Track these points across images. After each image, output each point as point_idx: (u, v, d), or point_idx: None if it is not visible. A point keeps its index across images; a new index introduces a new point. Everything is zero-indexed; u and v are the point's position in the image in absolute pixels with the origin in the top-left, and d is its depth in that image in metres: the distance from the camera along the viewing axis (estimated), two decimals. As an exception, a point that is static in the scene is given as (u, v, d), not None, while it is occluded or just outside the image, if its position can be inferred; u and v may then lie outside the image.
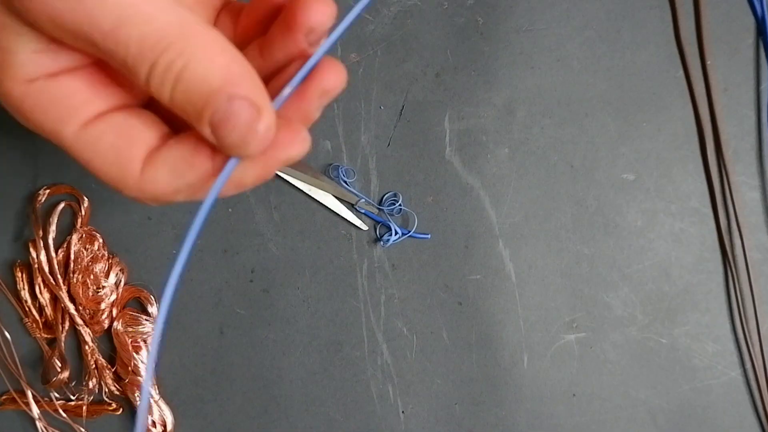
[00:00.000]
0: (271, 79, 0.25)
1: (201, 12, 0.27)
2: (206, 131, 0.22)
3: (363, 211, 0.41)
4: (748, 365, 0.42)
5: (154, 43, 0.21)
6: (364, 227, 0.41)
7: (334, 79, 0.24)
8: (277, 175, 0.40)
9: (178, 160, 0.24)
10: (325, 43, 0.24)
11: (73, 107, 0.24)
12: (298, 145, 0.24)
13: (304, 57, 0.24)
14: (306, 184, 0.40)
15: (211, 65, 0.21)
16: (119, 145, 0.24)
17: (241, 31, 0.26)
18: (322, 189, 0.40)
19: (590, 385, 0.42)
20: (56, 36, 0.22)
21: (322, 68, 0.24)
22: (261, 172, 0.24)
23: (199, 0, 0.27)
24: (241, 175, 0.24)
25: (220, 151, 0.23)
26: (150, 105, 0.26)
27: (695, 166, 0.42)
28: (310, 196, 0.41)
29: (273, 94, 0.23)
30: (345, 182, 0.40)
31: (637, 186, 0.41)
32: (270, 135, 0.22)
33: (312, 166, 0.41)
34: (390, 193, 0.41)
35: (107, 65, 0.24)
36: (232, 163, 0.23)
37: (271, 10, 0.25)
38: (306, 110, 0.24)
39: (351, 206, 0.41)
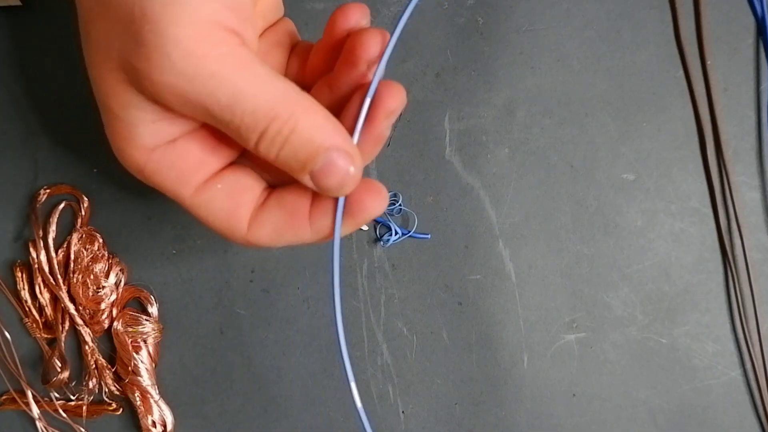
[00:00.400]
0: (340, 109, 0.28)
1: (277, 54, 0.30)
2: (306, 179, 0.26)
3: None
4: (748, 365, 0.42)
5: (264, 114, 0.25)
6: (364, 227, 0.41)
7: (395, 99, 0.27)
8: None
9: (279, 221, 0.28)
10: (378, 72, 0.27)
11: (188, 172, 0.28)
12: (380, 203, 0.29)
13: (365, 85, 0.28)
14: None
15: (313, 127, 0.25)
16: (229, 207, 0.28)
17: (309, 70, 0.30)
18: None
19: (590, 385, 0.42)
20: (178, 109, 0.25)
21: (383, 92, 0.27)
22: (351, 229, 0.29)
23: (275, 43, 0.31)
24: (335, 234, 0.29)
25: (314, 213, 0.28)
26: (247, 158, 0.30)
27: (695, 166, 0.42)
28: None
29: (346, 126, 0.27)
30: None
31: (637, 186, 0.41)
32: (360, 174, 0.27)
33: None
34: (390, 194, 0.41)
35: (213, 128, 0.27)
36: (337, 235, 0.28)
37: (335, 47, 0.29)
38: (378, 133, 0.28)
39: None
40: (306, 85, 0.30)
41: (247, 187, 0.29)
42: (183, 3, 0.23)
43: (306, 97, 0.26)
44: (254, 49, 0.26)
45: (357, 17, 0.28)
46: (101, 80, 0.26)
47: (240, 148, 0.29)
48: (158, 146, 0.27)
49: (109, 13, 0.24)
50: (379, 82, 0.27)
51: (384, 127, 0.28)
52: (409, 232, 0.41)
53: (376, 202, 0.29)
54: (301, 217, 0.28)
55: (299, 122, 0.25)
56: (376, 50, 0.27)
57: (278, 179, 0.30)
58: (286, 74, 0.31)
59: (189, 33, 0.23)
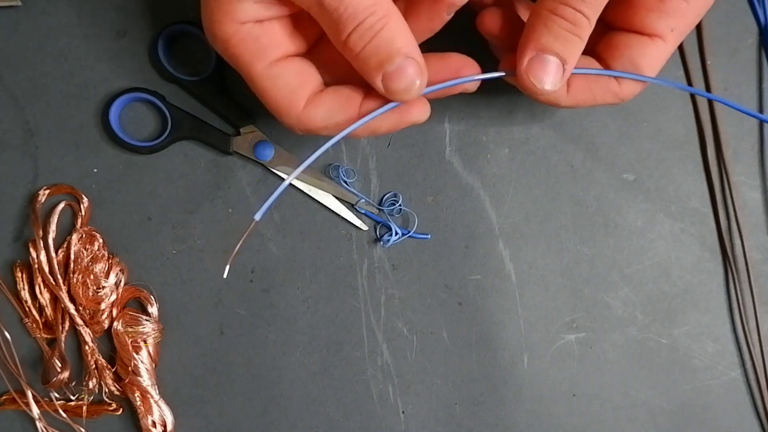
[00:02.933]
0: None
1: None
2: (377, 79, 0.31)
3: (363, 211, 0.41)
4: (748, 365, 0.42)
5: (365, 8, 0.29)
6: (364, 227, 0.41)
7: (471, 85, 0.34)
8: (277, 176, 0.40)
9: (333, 105, 0.33)
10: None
11: (267, 48, 0.32)
12: (424, 113, 0.34)
13: (441, 22, 0.32)
14: (306, 185, 0.40)
15: (399, 33, 0.30)
16: (294, 84, 0.32)
17: None
18: (322, 189, 0.40)
19: (590, 385, 0.42)
20: None
21: None
22: (392, 125, 0.33)
23: None
24: (378, 124, 0.33)
25: (366, 103, 0.32)
26: (308, 55, 0.34)
27: (695, 166, 0.42)
28: (310, 197, 0.41)
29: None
30: (345, 182, 0.40)
31: (637, 186, 0.41)
32: (422, 90, 0.31)
33: (312, 166, 0.41)
34: (390, 194, 0.41)
35: (297, 19, 0.33)
36: (380, 110, 0.32)
37: None
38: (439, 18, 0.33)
39: (351, 206, 0.41)
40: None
41: (313, 72, 0.33)
42: None
43: (398, 11, 0.30)
44: None
45: None
46: None
47: (311, 43, 0.34)
48: (248, 21, 0.31)
49: None
50: None
51: (444, 17, 0.33)
52: (409, 232, 0.41)
53: (422, 111, 0.34)
54: (353, 104, 0.33)
55: (389, 23, 0.30)
56: None
57: (337, 82, 0.34)
58: None
59: None
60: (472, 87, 0.34)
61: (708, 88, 0.41)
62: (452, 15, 0.32)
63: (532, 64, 0.32)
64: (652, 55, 0.34)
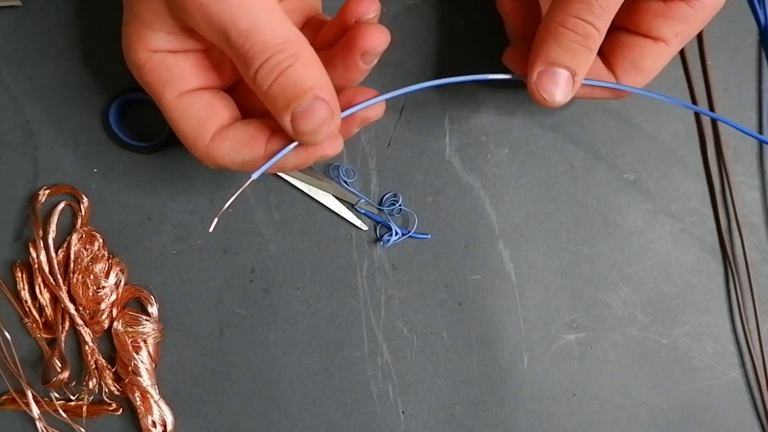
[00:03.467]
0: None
1: (293, 18, 0.33)
2: (286, 119, 0.29)
3: (363, 211, 0.41)
4: (748, 365, 0.42)
5: (273, 45, 0.28)
6: (364, 227, 0.41)
7: (373, 112, 0.33)
8: (277, 175, 0.40)
9: (239, 140, 0.31)
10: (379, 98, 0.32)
11: (178, 78, 0.31)
12: (335, 147, 0.32)
13: (360, 72, 0.32)
14: (306, 185, 0.40)
15: (308, 71, 0.29)
16: (201, 116, 0.32)
17: (317, 44, 0.33)
18: (322, 189, 0.40)
19: (590, 385, 0.42)
20: (198, 26, 0.29)
21: (361, 33, 0.31)
22: (301, 162, 0.32)
23: (295, 9, 0.34)
24: (284, 161, 0.32)
25: (272, 141, 0.31)
26: (230, 91, 0.34)
27: (695, 166, 0.42)
28: (310, 197, 0.41)
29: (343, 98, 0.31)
30: (345, 182, 0.40)
31: (637, 186, 0.41)
32: (333, 133, 0.30)
33: (312, 166, 0.41)
34: (390, 194, 0.41)
35: (210, 54, 0.33)
36: (282, 151, 0.31)
37: (342, 31, 0.32)
38: (348, 129, 0.33)
39: (351, 206, 0.41)
40: None
41: (223, 106, 0.32)
42: None
43: (311, 50, 0.30)
44: None
45: (366, 9, 0.32)
46: None
47: (225, 82, 0.34)
48: (161, 51, 0.31)
49: None
50: (360, 24, 0.31)
51: (355, 128, 0.33)
52: (409, 232, 0.41)
53: (333, 146, 0.32)
54: (259, 141, 0.32)
55: (298, 61, 0.29)
56: (373, 44, 0.31)
57: (251, 116, 0.33)
58: None
59: None
60: (375, 114, 0.33)
61: (708, 88, 0.41)
62: (372, 64, 0.32)
63: (542, 77, 0.32)
64: (654, 58, 0.34)
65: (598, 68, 0.35)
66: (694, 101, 0.41)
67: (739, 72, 0.41)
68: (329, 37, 0.33)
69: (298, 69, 0.29)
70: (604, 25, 0.31)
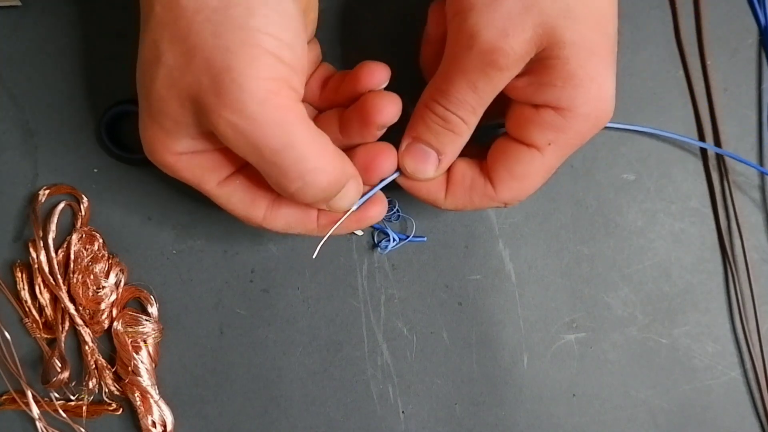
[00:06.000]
0: (347, 149, 0.34)
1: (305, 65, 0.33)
2: (323, 206, 0.33)
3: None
4: (748, 365, 0.42)
5: (301, 168, 0.29)
6: (359, 233, 0.41)
7: (382, 113, 0.33)
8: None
9: (291, 219, 0.34)
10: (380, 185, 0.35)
11: (211, 170, 0.32)
12: (382, 211, 0.36)
13: (374, 137, 0.34)
14: None
15: (335, 179, 0.31)
16: (246, 201, 0.33)
17: (324, 96, 0.35)
18: None
19: (590, 385, 0.42)
20: (229, 142, 0.29)
21: (374, 104, 0.33)
22: (353, 228, 0.35)
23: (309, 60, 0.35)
24: (339, 229, 0.35)
25: (321, 217, 0.34)
26: None
27: (695, 166, 0.42)
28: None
29: (359, 161, 0.34)
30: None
31: (637, 186, 0.41)
32: (359, 194, 0.33)
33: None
34: (387, 200, 0.41)
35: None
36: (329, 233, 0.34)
37: (356, 93, 0.34)
38: (371, 134, 0.34)
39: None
40: (318, 107, 0.36)
41: (265, 184, 0.32)
42: (261, 62, 0.27)
43: (334, 151, 0.31)
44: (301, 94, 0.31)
45: (380, 79, 0.33)
46: (163, 99, 0.29)
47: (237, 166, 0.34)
48: (185, 153, 0.32)
49: (190, 53, 0.28)
50: (374, 96, 0.33)
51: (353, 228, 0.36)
52: (407, 237, 0.41)
53: (380, 210, 0.35)
54: (311, 217, 0.34)
55: (313, 181, 0.30)
56: (388, 118, 0.32)
57: None
58: (306, 93, 0.34)
59: (264, 86, 0.28)
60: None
61: (708, 88, 0.41)
62: (384, 130, 0.33)
63: (408, 149, 0.33)
64: (527, 164, 0.33)
65: (473, 176, 0.34)
66: (694, 101, 0.41)
67: (739, 72, 0.41)
68: (336, 95, 0.35)
69: (315, 183, 0.30)
70: (469, 117, 0.32)
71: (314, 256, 0.36)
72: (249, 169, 0.33)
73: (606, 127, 0.38)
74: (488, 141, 0.35)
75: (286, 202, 0.34)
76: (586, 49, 0.29)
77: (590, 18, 0.29)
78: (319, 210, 0.34)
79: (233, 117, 0.28)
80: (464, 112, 0.31)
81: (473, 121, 0.32)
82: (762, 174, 0.42)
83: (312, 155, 0.29)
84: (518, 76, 0.31)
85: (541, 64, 0.30)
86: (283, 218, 0.34)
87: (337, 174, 0.30)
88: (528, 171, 0.33)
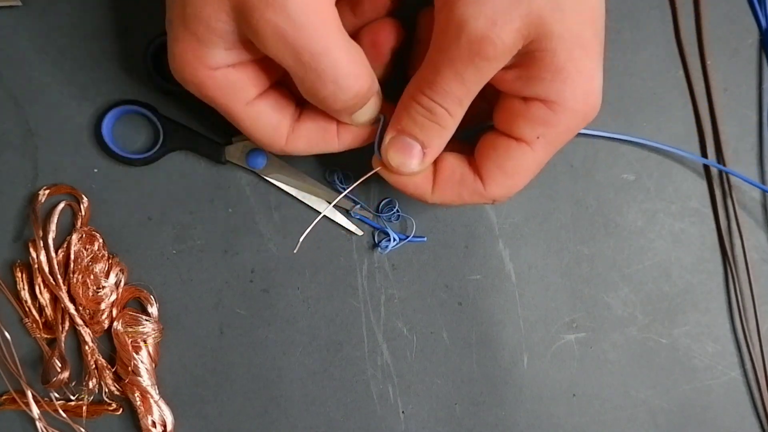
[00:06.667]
0: (361, 30, 0.34)
1: None
2: (347, 119, 0.33)
3: (359, 216, 0.41)
4: (748, 365, 0.42)
5: (336, 73, 0.30)
6: (359, 233, 0.41)
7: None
8: (270, 182, 0.40)
9: (313, 137, 0.34)
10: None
11: (242, 90, 0.32)
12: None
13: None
14: (300, 191, 0.40)
15: (357, 85, 0.31)
16: (274, 122, 0.34)
17: None
18: (315, 195, 0.40)
19: (590, 385, 0.42)
20: (268, 47, 0.29)
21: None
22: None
23: None
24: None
25: (342, 132, 0.34)
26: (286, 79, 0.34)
27: (695, 167, 0.42)
28: (305, 204, 0.40)
29: (365, 40, 0.34)
30: (342, 188, 0.40)
31: (637, 186, 0.41)
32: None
33: (308, 173, 0.41)
34: (386, 200, 0.41)
35: (263, 58, 0.32)
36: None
37: None
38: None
39: (346, 212, 0.41)
40: None
41: (288, 104, 0.34)
42: None
43: (365, 62, 0.32)
44: None
45: None
46: (203, 4, 0.29)
47: (280, 74, 0.34)
48: (221, 67, 0.31)
49: None
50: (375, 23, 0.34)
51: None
52: (407, 237, 0.41)
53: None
54: (331, 133, 0.34)
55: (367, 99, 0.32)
56: None
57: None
58: None
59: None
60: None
61: (708, 88, 0.41)
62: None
63: (393, 143, 0.33)
64: (517, 160, 0.33)
65: (463, 171, 0.34)
66: (694, 101, 0.41)
67: (739, 72, 0.41)
68: None
69: (350, 91, 0.31)
70: (455, 109, 0.31)
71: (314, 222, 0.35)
72: (276, 90, 0.34)
73: (603, 137, 0.39)
74: (476, 138, 0.35)
75: (308, 120, 0.34)
76: (574, 43, 0.29)
77: (579, 12, 0.29)
78: (339, 125, 0.34)
79: (276, 18, 0.28)
80: (450, 103, 0.31)
81: (459, 113, 0.32)
82: (762, 174, 0.42)
83: (347, 61, 0.30)
84: (507, 68, 0.31)
85: (529, 56, 0.30)
86: (305, 136, 0.34)
87: (367, 82, 0.31)
88: (518, 166, 0.33)
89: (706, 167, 0.41)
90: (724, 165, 0.41)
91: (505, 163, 0.33)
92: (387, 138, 0.33)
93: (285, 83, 0.35)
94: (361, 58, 0.31)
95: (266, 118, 0.33)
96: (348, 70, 0.30)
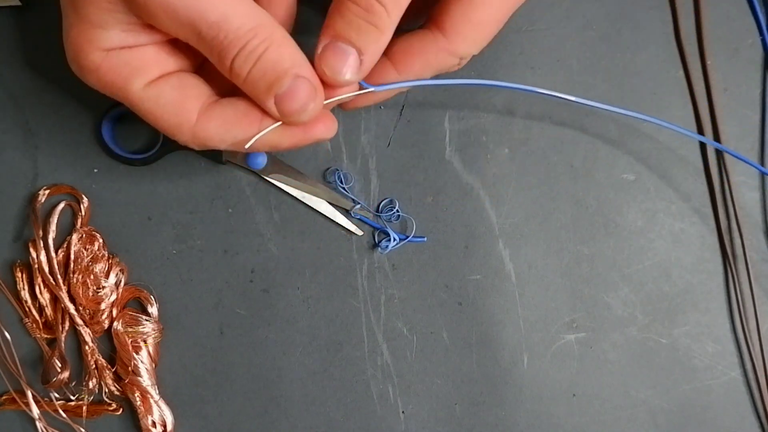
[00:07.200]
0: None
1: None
2: (270, 103, 0.29)
3: (359, 216, 0.41)
4: (748, 365, 0.42)
5: (246, 32, 0.28)
6: (359, 233, 0.41)
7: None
8: (269, 182, 0.40)
9: (228, 118, 0.30)
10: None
11: (141, 68, 0.30)
12: (330, 130, 0.31)
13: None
14: (300, 192, 0.40)
15: (284, 52, 0.28)
16: (178, 98, 0.30)
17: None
18: (315, 195, 0.40)
19: (590, 385, 0.42)
20: (163, 25, 0.27)
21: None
22: (295, 142, 0.31)
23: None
24: (279, 140, 0.31)
25: (266, 120, 0.30)
26: (203, 71, 0.32)
27: (695, 166, 0.42)
28: (305, 203, 0.40)
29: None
30: (343, 188, 0.40)
31: (637, 186, 0.41)
32: (318, 110, 0.30)
33: (303, 171, 0.41)
34: (386, 200, 0.41)
35: (171, 40, 0.30)
36: (273, 126, 0.30)
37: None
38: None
39: (346, 212, 0.41)
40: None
41: (196, 85, 0.31)
42: None
43: (283, 30, 0.29)
44: None
45: None
46: None
47: (192, 64, 0.32)
48: (115, 48, 0.29)
49: None
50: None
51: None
52: (407, 237, 0.41)
53: (328, 128, 0.31)
54: (252, 118, 0.30)
55: (273, 44, 0.28)
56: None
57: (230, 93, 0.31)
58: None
59: None
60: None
61: (708, 88, 0.41)
62: None
63: (326, 51, 0.30)
64: (484, 9, 0.31)
65: (419, 39, 0.31)
66: (694, 101, 0.41)
67: (739, 72, 0.41)
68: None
69: (274, 51, 0.28)
70: (392, 7, 0.29)
71: (247, 146, 0.30)
72: (186, 72, 0.31)
73: (612, 111, 0.37)
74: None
75: (223, 103, 0.31)
76: None
77: None
78: (263, 113, 0.30)
79: None
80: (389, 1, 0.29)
81: (396, 14, 0.29)
82: (762, 174, 0.42)
83: (249, 21, 0.28)
84: None
85: None
86: (218, 117, 0.30)
87: (288, 50, 0.28)
88: (484, 16, 0.31)
89: (707, 167, 0.41)
90: (724, 165, 0.41)
91: (472, 14, 0.31)
92: (320, 47, 0.30)
93: (208, 74, 0.32)
94: (269, 19, 0.29)
95: (168, 97, 0.30)
96: (254, 32, 0.28)
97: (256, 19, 0.28)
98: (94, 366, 0.40)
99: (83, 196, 0.40)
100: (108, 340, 0.40)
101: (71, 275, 0.39)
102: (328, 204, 0.40)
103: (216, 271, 0.41)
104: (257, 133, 0.30)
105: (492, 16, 0.31)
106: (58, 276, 0.39)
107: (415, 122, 0.41)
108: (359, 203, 0.41)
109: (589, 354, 0.42)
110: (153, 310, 0.40)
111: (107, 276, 0.39)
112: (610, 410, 0.42)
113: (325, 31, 0.30)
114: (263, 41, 0.28)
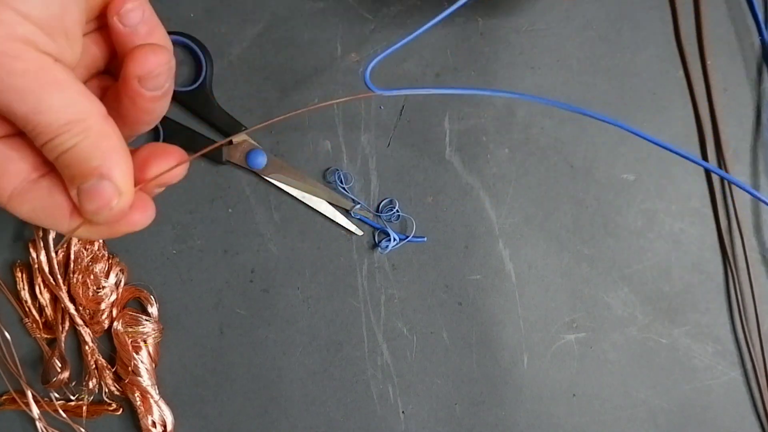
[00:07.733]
0: (125, 117, 0.29)
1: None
2: (73, 192, 0.27)
3: (359, 216, 0.41)
4: (748, 365, 0.42)
5: (57, 127, 0.26)
6: (359, 233, 0.41)
7: (174, 176, 0.30)
8: (269, 182, 0.40)
9: (40, 208, 0.28)
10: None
11: None
12: (145, 219, 0.30)
13: (149, 100, 0.28)
14: (300, 192, 0.40)
15: (96, 149, 0.27)
16: None
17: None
18: (315, 195, 0.40)
19: (590, 385, 0.42)
20: None
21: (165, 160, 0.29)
22: (107, 234, 0.30)
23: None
24: (89, 234, 0.30)
25: (75, 217, 0.28)
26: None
27: (695, 166, 0.42)
28: (305, 203, 0.40)
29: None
30: (343, 188, 0.40)
31: (637, 186, 0.41)
32: (121, 214, 0.28)
33: (303, 171, 0.41)
34: (386, 200, 0.41)
35: None
36: (77, 226, 0.29)
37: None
38: (149, 191, 0.30)
39: (346, 212, 0.41)
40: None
41: (15, 159, 0.28)
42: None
43: (103, 120, 0.27)
44: (73, 62, 0.27)
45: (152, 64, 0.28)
46: None
47: (14, 128, 0.29)
48: None
49: None
50: (134, 49, 0.27)
51: (153, 191, 0.31)
52: (407, 237, 0.41)
53: (143, 218, 0.30)
54: (63, 212, 0.28)
55: (86, 139, 0.26)
56: (147, 68, 0.27)
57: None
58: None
59: (3, 50, 0.24)
60: (178, 176, 0.30)
61: (708, 88, 0.41)
62: (161, 90, 0.28)
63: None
64: None
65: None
66: (694, 101, 0.41)
67: (739, 72, 0.41)
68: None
69: (85, 148, 0.26)
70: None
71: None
72: (8, 143, 0.29)
73: (608, 122, 0.38)
74: None
75: (41, 186, 0.28)
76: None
77: None
78: (74, 208, 0.28)
79: None
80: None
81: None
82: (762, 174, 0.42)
83: (63, 115, 0.26)
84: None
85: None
86: (30, 203, 0.28)
87: (104, 145, 0.27)
88: None
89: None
90: (725, 165, 0.41)
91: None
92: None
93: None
94: (87, 98, 0.27)
95: None
96: (67, 128, 0.26)
97: (73, 113, 0.26)
98: (94, 366, 0.40)
99: (83, 196, 0.40)
100: (108, 340, 0.40)
101: (71, 275, 0.39)
102: (328, 204, 0.40)
103: (216, 271, 0.41)
104: (65, 227, 0.29)
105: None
106: (58, 276, 0.39)
107: (415, 122, 0.41)
108: (359, 203, 0.41)
109: (589, 354, 0.42)
110: (153, 310, 0.40)
111: (107, 276, 0.39)
112: (610, 410, 0.42)
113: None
114: (75, 135, 0.26)
